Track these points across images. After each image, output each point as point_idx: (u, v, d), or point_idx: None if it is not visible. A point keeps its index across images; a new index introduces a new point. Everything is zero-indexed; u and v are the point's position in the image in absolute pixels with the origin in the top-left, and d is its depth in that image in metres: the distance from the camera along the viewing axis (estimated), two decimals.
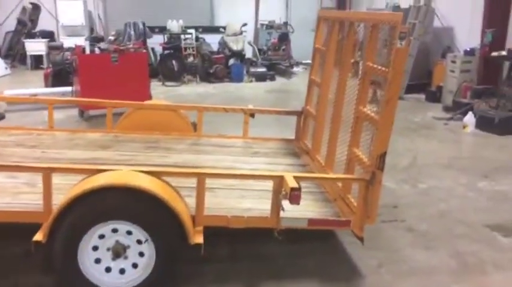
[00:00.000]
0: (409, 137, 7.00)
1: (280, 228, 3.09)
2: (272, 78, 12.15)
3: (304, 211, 3.30)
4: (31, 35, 13.77)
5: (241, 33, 12.46)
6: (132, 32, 10.58)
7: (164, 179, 2.90)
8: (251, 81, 11.85)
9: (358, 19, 3.71)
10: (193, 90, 10.71)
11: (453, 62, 8.88)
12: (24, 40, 13.58)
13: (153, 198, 2.68)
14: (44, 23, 14.38)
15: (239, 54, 12.29)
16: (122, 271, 2.83)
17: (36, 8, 14.13)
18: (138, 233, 2.78)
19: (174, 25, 12.31)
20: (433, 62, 10.25)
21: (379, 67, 3.17)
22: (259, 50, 13.41)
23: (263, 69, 12.25)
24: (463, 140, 7.03)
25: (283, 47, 13.33)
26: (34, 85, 10.37)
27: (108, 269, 2.83)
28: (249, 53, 13.35)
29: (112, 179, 2.70)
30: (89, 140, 4.55)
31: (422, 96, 9.99)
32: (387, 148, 3.06)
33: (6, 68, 12.92)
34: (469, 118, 7.27)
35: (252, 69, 12.16)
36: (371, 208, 3.12)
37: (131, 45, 7.89)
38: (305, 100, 4.96)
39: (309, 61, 5.16)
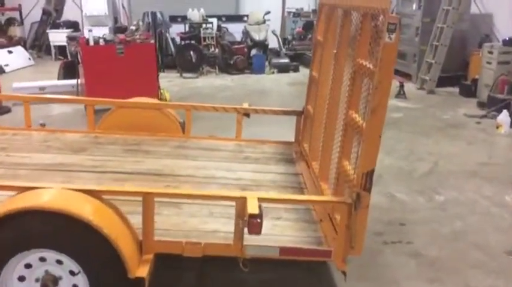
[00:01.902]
0: (434, 137, 6.30)
1: (245, 257, 2.61)
2: (296, 70, 11.53)
3: (279, 235, 2.82)
4: (55, 26, 13.71)
5: (264, 22, 11.88)
6: (141, 23, 10.18)
7: (103, 199, 2.46)
8: (273, 72, 11.29)
9: (352, 7, 3.12)
10: (210, 83, 10.28)
11: (490, 52, 8.02)
12: (48, 31, 13.53)
13: (82, 223, 2.26)
14: (69, 13, 14.29)
15: (262, 44, 11.73)
16: None
17: None
18: (70, 263, 2.37)
19: (194, 14, 11.89)
20: (469, 52, 9.38)
21: (369, 65, 2.60)
22: (284, 39, 12.79)
23: (286, 60, 11.64)
24: (495, 142, 6.26)
25: (309, 35, 12.64)
26: (53, 76, 10.25)
27: None
28: (274, 43, 12.76)
29: (33, 201, 2.29)
30: (65, 141, 4.19)
31: (456, 90, 9.16)
32: (375, 165, 2.49)
33: (29, 59, 12.91)
34: (503, 117, 6.47)
35: (274, 60, 11.58)
36: (355, 237, 2.58)
37: (138, 36, 7.50)
38: (305, 99, 4.43)
39: None
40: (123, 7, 14.62)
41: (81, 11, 14.26)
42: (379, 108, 2.40)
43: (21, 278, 2.40)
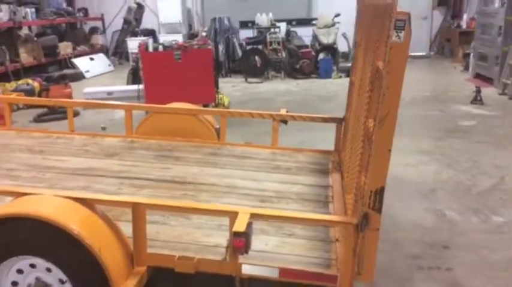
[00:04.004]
0: (507, 149, 5.60)
1: (241, 277, 2.41)
2: None
3: (286, 253, 2.58)
4: (134, 34, 14.40)
5: (333, 24, 11.51)
6: (201, 29, 10.31)
7: (94, 207, 2.40)
8: (340, 77, 10.88)
9: (379, 3, 2.79)
10: (274, 88, 10.14)
11: None
12: (127, 39, 14.24)
13: (64, 232, 2.20)
14: (148, 21, 14.97)
15: (330, 48, 11.36)
16: None
17: (140, 7, 14.73)
18: (57, 271, 2.33)
19: (262, 19, 11.84)
20: None
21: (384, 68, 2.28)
22: (355, 42, 12.28)
23: None
24: None
25: None
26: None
27: None
28: (345, 47, 12.32)
29: (21, 207, 2.28)
30: (102, 146, 4.26)
31: None
32: (384, 183, 2.18)
33: (109, 65, 13.68)
34: None
35: (342, 64, 11.16)
36: (363, 263, 2.28)
37: (195, 42, 7.57)
38: (346, 105, 4.13)
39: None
40: (197, 14, 15.01)
41: (158, 19, 14.90)
42: (387, 119, 2.09)
43: (15, 283, 2.41)
